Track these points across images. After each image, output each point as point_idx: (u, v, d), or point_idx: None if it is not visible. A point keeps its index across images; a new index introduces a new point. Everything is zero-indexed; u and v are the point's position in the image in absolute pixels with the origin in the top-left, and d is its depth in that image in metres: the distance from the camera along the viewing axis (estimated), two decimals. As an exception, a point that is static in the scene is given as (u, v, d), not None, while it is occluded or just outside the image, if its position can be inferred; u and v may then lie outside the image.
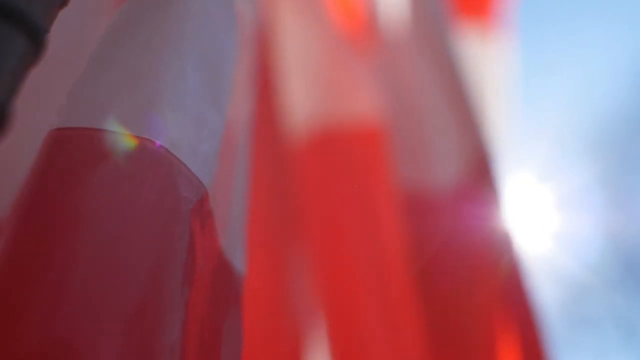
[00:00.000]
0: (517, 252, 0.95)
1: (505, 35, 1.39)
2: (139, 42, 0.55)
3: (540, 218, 1.41)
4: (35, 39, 0.46)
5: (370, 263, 0.96)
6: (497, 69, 1.37)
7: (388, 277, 0.95)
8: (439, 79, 1.01)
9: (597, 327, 3.41)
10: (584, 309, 3.37)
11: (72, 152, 0.49)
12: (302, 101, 0.99)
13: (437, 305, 0.93)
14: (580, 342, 3.32)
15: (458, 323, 0.93)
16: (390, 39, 1.04)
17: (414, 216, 0.96)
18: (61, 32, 0.53)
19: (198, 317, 0.48)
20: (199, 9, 0.59)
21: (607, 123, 3.55)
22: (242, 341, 0.53)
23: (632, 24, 3.54)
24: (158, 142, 0.51)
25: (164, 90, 0.53)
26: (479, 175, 0.97)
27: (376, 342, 0.93)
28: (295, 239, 0.93)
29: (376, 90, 1.02)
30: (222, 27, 0.61)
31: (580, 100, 3.53)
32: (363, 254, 0.96)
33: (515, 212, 1.26)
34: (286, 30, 1.01)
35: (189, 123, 0.53)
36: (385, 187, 0.97)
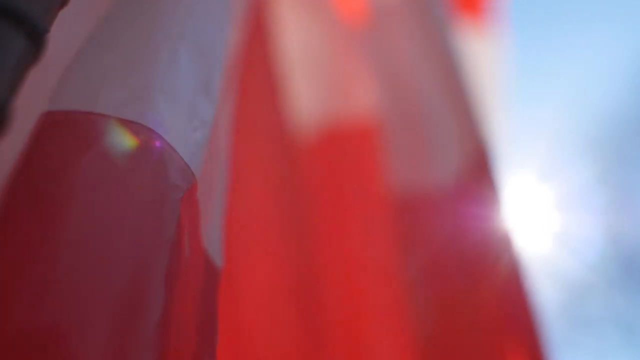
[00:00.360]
0: (516, 252, 0.95)
1: (498, 33, 1.39)
2: (133, 27, 0.55)
3: (540, 218, 1.41)
4: (35, 39, 0.46)
5: (369, 263, 0.96)
6: (490, 66, 1.37)
7: (386, 277, 0.95)
8: (438, 76, 1.01)
9: (597, 327, 3.41)
10: (584, 309, 3.37)
11: (64, 136, 0.49)
12: (306, 98, 0.99)
13: (435, 306, 0.94)
14: (580, 342, 3.32)
15: (455, 324, 0.93)
16: (390, 35, 1.04)
17: (412, 216, 0.96)
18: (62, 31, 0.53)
19: (179, 310, 0.47)
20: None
21: (607, 123, 3.55)
22: (217, 336, 0.53)
23: (633, 23, 3.54)
24: (151, 128, 0.50)
25: (157, 75, 0.53)
26: (478, 173, 0.97)
27: (373, 340, 0.93)
28: (301, 236, 0.93)
29: (376, 88, 1.02)
30: (216, 17, 0.61)
31: (580, 100, 3.53)
32: (363, 253, 0.96)
33: (515, 211, 1.26)
34: (290, 27, 1.01)
35: (181, 110, 0.53)
36: (383, 185, 0.98)
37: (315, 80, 1.01)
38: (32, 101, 0.50)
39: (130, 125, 0.49)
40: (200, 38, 0.57)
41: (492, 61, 1.38)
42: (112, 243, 0.45)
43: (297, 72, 1.00)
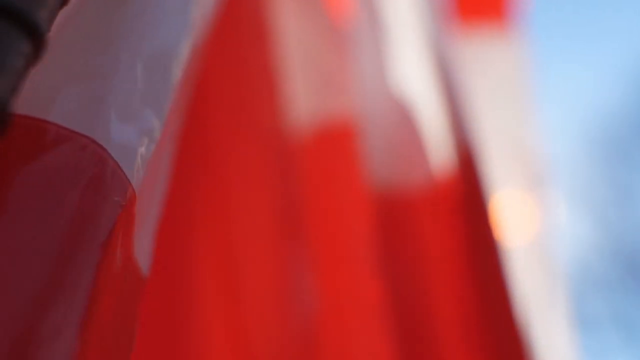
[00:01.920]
0: (500, 254, 0.95)
1: (521, 36, 1.39)
2: (97, 29, 0.55)
3: (540, 217, 1.41)
4: (35, 39, 0.46)
5: (354, 260, 0.96)
6: (515, 70, 1.38)
7: (370, 274, 0.96)
8: (424, 79, 1.01)
9: (597, 327, 3.41)
10: (584, 309, 3.38)
11: (14, 140, 0.49)
12: (296, 98, 1.00)
13: (413, 309, 0.94)
14: (580, 342, 3.31)
15: (435, 322, 0.93)
16: (377, 38, 1.04)
17: (396, 214, 0.97)
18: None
19: (102, 321, 0.48)
20: (154, 6, 0.59)
21: (608, 123, 3.56)
22: (134, 343, 0.54)
23: (634, 24, 3.55)
24: (99, 143, 0.50)
25: (113, 87, 0.53)
26: (463, 174, 0.97)
27: (357, 334, 0.93)
28: (296, 236, 0.94)
29: (362, 88, 1.02)
30: (176, 27, 0.61)
31: (582, 99, 3.53)
32: (348, 252, 0.97)
33: (514, 211, 1.26)
34: (287, 28, 1.01)
35: (131, 125, 0.53)
36: (367, 184, 0.98)
37: (305, 81, 1.01)
38: None
39: (80, 138, 0.49)
40: (158, 49, 0.58)
41: (514, 65, 1.38)
42: (40, 250, 0.46)
43: (297, 73, 1.00)
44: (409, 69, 1.02)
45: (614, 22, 3.53)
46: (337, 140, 1.00)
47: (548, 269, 1.37)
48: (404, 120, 1.00)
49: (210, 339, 0.86)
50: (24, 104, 0.49)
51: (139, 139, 0.53)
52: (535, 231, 1.37)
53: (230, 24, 0.93)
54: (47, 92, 0.51)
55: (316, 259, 0.94)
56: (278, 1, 1.00)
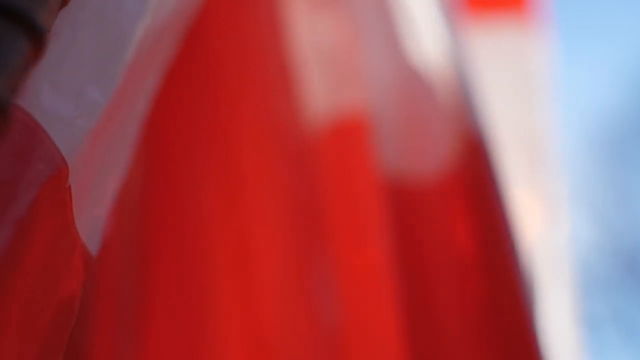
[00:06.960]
0: (513, 242, 0.95)
1: (543, 28, 1.39)
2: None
3: (540, 217, 1.41)
4: (35, 39, 0.47)
5: (374, 254, 0.96)
6: (537, 62, 1.37)
7: (385, 267, 0.95)
8: (432, 67, 1.01)
9: (597, 327, 3.41)
10: (584, 308, 3.38)
11: None
12: (318, 92, 0.99)
13: (426, 297, 0.94)
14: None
15: (445, 321, 0.93)
16: (386, 23, 1.04)
17: (407, 204, 0.96)
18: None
19: (27, 293, 0.47)
20: None
21: (608, 123, 3.56)
22: (73, 319, 0.53)
23: (634, 24, 3.55)
24: (25, 109, 0.49)
25: (50, 60, 0.51)
26: (473, 164, 0.97)
27: (367, 329, 0.93)
28: (314, 232, 0.94)
29: (371, 79, 1.02)
30: (130, 10, 0.60)
31: (582, 99, 3.53)
32: (371, 247, 0.97)
33: (513, 210, 1.26)
34: (300, 20, 1.01)
35: (69, 98, 0.52)
36: (380, 174, 0.98)
37: (321, 74, 1.01)
38: None
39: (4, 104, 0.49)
40: (108, 25, 0.57)
41: (536, 57, 1.38)
42: None
43: (306, 65, 1.00)
44: (421, 55, 1.02)
45: (614, 22, 3.54)
46: (351, 134, 1.00)
47: (553, 268, 1.37)
48: (417, 107, 1.00)
49: (225, 339, 0.86)
50: None
51: (77, 112, 0.53)
52: (540, 230, 1.37)
53: (244, 20, 0.94)
54: None
55: (335, 255, 0.94)
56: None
